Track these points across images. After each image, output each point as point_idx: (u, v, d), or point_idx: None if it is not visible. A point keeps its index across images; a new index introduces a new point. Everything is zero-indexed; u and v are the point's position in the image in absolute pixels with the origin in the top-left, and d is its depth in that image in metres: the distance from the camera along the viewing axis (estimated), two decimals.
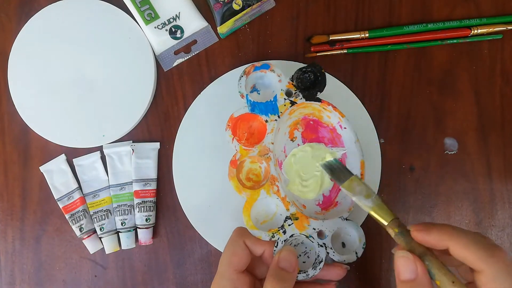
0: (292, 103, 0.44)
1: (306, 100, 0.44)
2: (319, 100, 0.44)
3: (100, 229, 0.49)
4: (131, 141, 0.50)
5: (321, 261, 0.41)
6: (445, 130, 0.50)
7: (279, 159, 0.45)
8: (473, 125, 0.50)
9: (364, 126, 0.48)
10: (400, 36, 0.49)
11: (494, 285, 0.25)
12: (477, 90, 0.50)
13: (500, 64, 0.50)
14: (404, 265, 0.28)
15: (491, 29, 0.49)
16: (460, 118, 0.50)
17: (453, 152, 0.50)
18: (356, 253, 0.42)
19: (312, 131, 0.46)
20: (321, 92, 0.44)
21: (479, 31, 0.49)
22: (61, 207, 0.49)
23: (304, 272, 0.40)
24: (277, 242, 0.41)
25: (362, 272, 0.50)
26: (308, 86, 0.44)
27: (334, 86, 0.48)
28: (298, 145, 0.46)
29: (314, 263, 0.41)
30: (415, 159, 0.50)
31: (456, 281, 0.27)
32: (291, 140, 0.46)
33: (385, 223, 0.31)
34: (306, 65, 0.44)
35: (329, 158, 0.33)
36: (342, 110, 0.46)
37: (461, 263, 0.27)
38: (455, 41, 0.49)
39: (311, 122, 0.46)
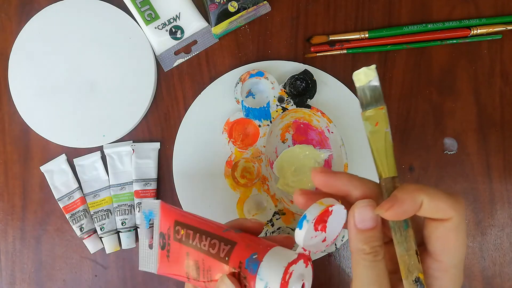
0: (284, 109, 0.47)
1: (296, 107, 0.47)
2: (308, 106, 0.47)
3: (101, 229, 0.49)
4: (132, 141, 0.50)
5: None
6: (444, 130, 0.50)
7: (271, 159, 0.49)
8: (473, 125, 0.50)
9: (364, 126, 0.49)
10: (399, 36, 0.49)
11: (456, 231, 0.25)
12: (476, 90, 0.50)
13: (500, 64, 0.50)
14: (365, 213, 0.25)
15: (490, 29, 0.49)
16: (459, 118, 0.50)
17: (453, 152, 0.50)
18: (335, 245, 0.47)
19: (302, 134, 0.49)
20: (311, 99, 0.47)
21: (479, 31, 0.49)
22: (61, 207, 0.49)
23: None
24: (265, 234, 0.46)
25: None
26: (300, 92, 0.48)
27: (334, 86, 0.49)
28: (289, 146, 0.49)
29: None
30: (415, 159, 0.50)
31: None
32: (282, 141, 0.49)
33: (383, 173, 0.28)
34: (298, 73, 0.47)
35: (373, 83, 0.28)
36: (342, 110, 0.48)
37: None
38: (454, 41, 0.49)
39: (302, 125, 0.49)
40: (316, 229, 0.26)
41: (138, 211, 0.48)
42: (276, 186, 0.48)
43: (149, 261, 0.33)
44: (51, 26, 0.49)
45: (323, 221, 0.26)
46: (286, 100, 0.47)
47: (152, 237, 0.32)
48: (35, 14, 0.49)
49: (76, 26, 0.49)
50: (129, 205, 0.49)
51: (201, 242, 0.30)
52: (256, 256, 0.27)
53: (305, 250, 0.27)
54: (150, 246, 0.33)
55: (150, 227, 0.32)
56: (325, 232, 0.27)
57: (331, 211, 0.26)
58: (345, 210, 0.27)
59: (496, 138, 0.50)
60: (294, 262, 0.26)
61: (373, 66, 0.27)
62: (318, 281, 0.50)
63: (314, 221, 0.26)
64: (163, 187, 0.50)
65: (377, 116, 0.28)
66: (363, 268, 0.25)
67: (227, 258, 0.28)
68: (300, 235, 0.26)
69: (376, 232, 0.26)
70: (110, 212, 0.49)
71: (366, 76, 0.28)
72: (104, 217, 0.49)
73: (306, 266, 0.27)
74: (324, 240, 0.28)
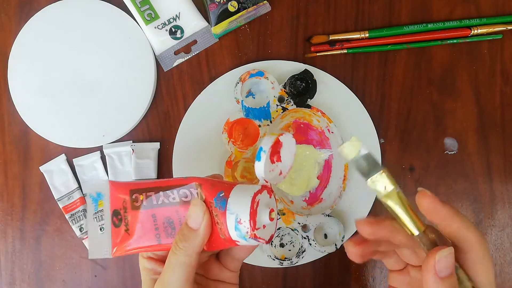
0: (284, 109, 0.47)
1: (297, 106, 0.47)
2: (309, 106, 0.47)
3: (100, 229, 0.49)
4: (131, 141, 0.50)
5: (304, 251, 0.47)
6: (445, 130, 0.50)
7: None
8: (473, 125, 0.50)
9: (364, 126, 0.49)
10: (400, 36, 0.49)
11: (484, 259, 0.27)
12: (477, 90, 0.50)
13: (500, 64, 0.50)
14: (447, 261, 0.26)
15: (491, 29, 0.49)
16: (460, 118, 0.50)
17: (453, 152, 0.50)
18: (335, 245, 0.46)
19: (302, 134, 0.49)
20: (311, 99, 0.47)
21: (479, 31, 0.49)
22: (61, 207, 0.49)
23: (289, 260, 0.46)
24: None
25: (360, 274, 0.50)
26: (300, 92, 0.47)
27: (334, 86, 0.49)
28: None
29: (297, 252, 0.47)
30: (415, 159, 0.50)
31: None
32: None
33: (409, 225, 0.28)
34: (298, 72, 0.47)
35: (362, 151, 0.28)
36: (342, 110, 0.48)
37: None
38: (455, 41, 0.49)
39: (302, 125, 0.49)
40: (272, 161, 0.30)
41: None
42: (276, 186, 0.48)
43: (100, 247, 0.33)
44: (50, 26, 0.49)
45: (276, 152, 0.30)
46: (286, 100, 0.47)
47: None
48: (34, 14, 0.49)
49: (76, 26, 0.49)
50: None
51: (168, 197, 0.30)
52: (223, 194, 0.29)
53: (266, 181, 0.29)
54: (102, 229, 0.33)
55: (99, 211, 0.33)
56: (281, 162, 0.31)
57: (282, 142, 0.30)
58: (293, 139, 0.31)
59: (497, 138, 0.50)
60: (259, 192, 0.28)
61: (355, 138, 0.28)
62: (318, 281, 0.49)
63: (269, 152, 0.29)
64: None
65: (382, 181, 0.28)
66: None
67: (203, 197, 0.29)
68: (260, 167, 0.29)
69: (454, 279, 0.26)
70: None
71: (354, 148, 0.28)
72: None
73: (270, 197, 0.29)
74: (280, 173, 0.32)
